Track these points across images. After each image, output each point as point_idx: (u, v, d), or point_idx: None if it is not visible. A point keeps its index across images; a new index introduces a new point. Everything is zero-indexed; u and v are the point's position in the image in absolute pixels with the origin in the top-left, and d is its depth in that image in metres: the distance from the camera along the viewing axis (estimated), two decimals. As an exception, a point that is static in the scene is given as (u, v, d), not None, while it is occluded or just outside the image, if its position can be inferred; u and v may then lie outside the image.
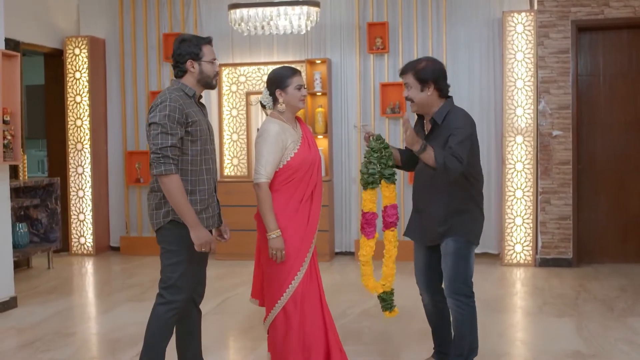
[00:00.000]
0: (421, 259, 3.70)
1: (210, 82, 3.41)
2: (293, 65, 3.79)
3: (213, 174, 3.43)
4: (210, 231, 3.42)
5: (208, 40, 3.41)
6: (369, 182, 3.53)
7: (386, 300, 3.67)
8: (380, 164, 3.53)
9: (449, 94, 3.56)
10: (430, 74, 3.45)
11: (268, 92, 3.55)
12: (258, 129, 7.20)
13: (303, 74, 7.01)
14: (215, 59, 3.42)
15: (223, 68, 7.48)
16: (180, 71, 3.36)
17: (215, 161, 3.51)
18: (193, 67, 3.34)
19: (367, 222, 3.56)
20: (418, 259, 3.73)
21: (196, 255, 3.34)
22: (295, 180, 3.46)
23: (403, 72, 3.52)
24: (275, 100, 3.52)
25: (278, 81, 3.50)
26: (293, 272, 3.43)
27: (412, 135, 3.36)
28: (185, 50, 3.33)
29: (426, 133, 3.60)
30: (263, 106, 3.62)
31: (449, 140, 3.39)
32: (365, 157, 3.57)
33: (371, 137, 3.56)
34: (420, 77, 3.45)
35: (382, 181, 3.56)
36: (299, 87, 3.49)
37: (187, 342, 3.55)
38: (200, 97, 3.47)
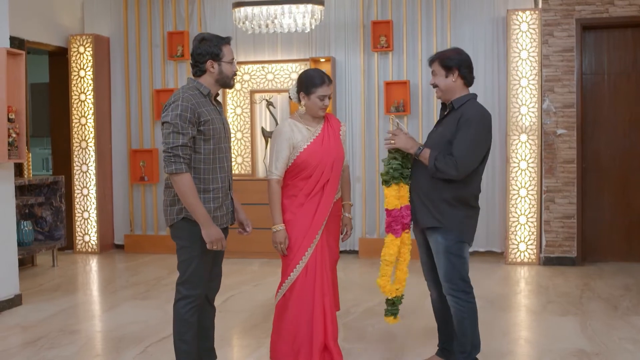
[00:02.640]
0: (425, 255, 3.71)
1: (228, 82, 3.43)
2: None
3: (228, 172, 3.45)
4: (226, 229, 3.45)
5: (228, 40, 3.41)
6: (394, 177, 3.51)
7: (395, 305, 3.67)
8: (403, 161, 3.54)
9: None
10: (454, 61, 3.52)
11: (296, 90, 3.65)
12: (262, 128, 7.23)
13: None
14: (234, 59, 3.43)
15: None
16: (199, 71, 3.36)
17: (231, 159, 3.53)
18: (213, 67, 3.34)
19: (394, 220, 3.53)
20: (423, 255, 3.73)
21: (209, 252, 3.37)
22: (304, 176, 3.59)
23: (431, 61, 3.60)
24: (300, 99, 3.63)
25: (305, 85, 3.60)
26: (292, 264, 3.59)
27: (406, 139, 3.49)
28: (206, 50, 3.32)
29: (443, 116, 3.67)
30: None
31: (456, 138, 3.40)
32: (390, 153, 3.57)
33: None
34: (444, 64, 3.53)
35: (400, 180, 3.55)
36: (322, 98, 3.57)
37: (203, 337, 3.57)
38: (217, 95, 3.48)
